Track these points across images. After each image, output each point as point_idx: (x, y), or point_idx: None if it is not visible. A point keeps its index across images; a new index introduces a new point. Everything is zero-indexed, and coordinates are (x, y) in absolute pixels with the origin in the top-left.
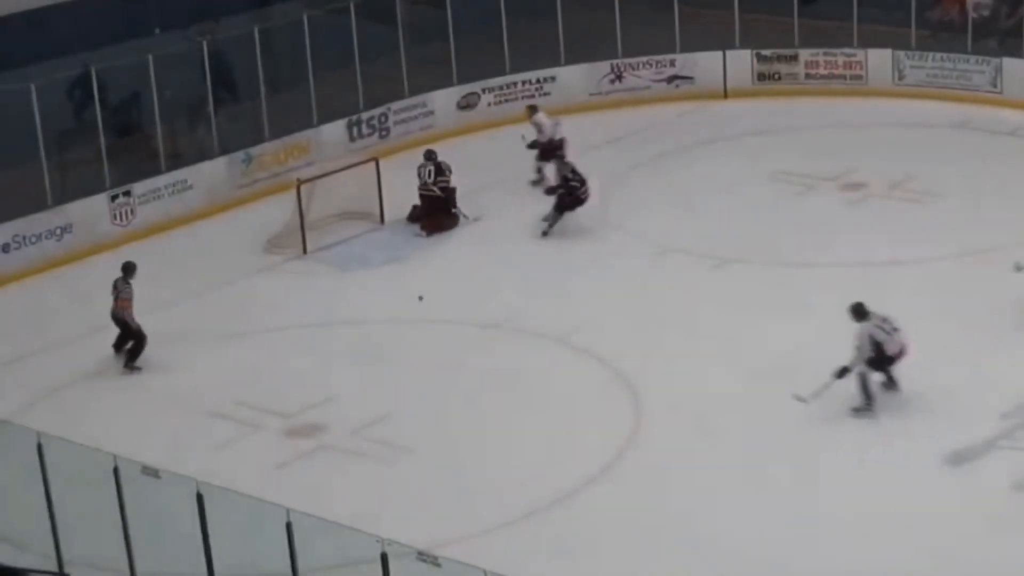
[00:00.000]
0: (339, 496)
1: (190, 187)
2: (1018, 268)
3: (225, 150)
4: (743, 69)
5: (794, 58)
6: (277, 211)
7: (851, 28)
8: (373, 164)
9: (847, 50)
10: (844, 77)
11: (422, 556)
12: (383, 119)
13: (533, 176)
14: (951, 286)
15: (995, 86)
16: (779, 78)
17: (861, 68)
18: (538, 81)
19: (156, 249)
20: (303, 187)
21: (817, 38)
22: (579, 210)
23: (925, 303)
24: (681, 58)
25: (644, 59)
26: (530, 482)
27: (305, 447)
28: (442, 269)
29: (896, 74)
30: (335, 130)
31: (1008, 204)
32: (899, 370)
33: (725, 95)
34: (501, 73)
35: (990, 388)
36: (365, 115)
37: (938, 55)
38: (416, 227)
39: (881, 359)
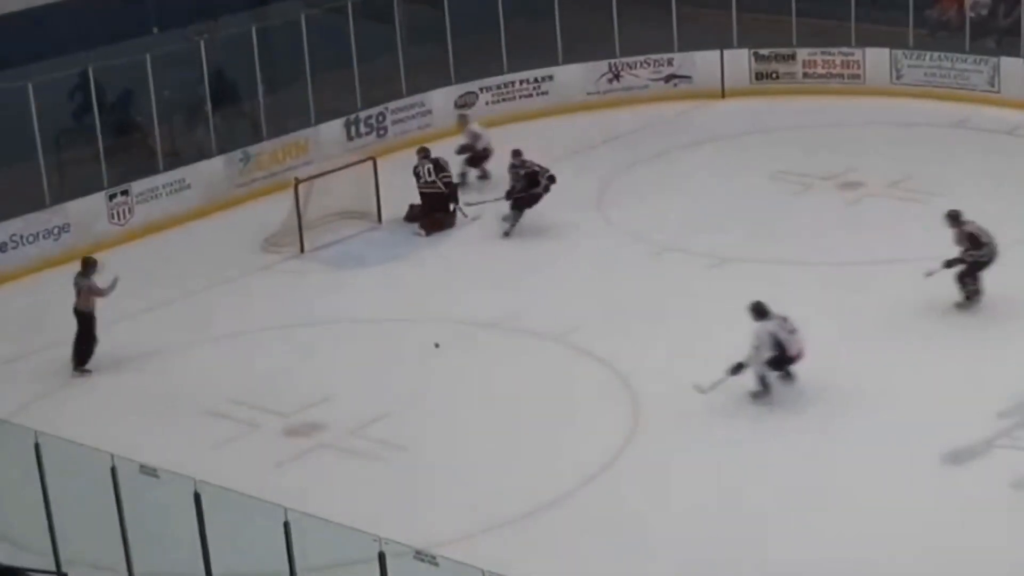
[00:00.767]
0: (337, 495)
1: (188, 186)
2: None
3: (223, 149)
4: (741, 68)
5: (792, 57)
6: (275, 210)
7: (849, 27)
8: (371, 163)
9: (845, 49)
10: (842, 76)
11: (420, 555)
12: (381, 118)
13: (476, 176)
14: (949, 284)
15: (993, 85)
16: (777, 77)
17: (859, 67)
18: (536, 80)
19: (154, 248)
20: (301, 186)
21: (815, 37)
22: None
23: (923, 301)
24: (679, 57)
25: (642, 58)
26: (528, 481)
27: (303, 446)
28: (440, 268)
29: (894, 73)
30: (333, 129)
31: (1006, 203)
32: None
33: (723, 94)
34: (499, 72)
35: (989, 387)
36: (363, 114)
37: (936, 54)
38: (414, 226)
39: (782, 359)
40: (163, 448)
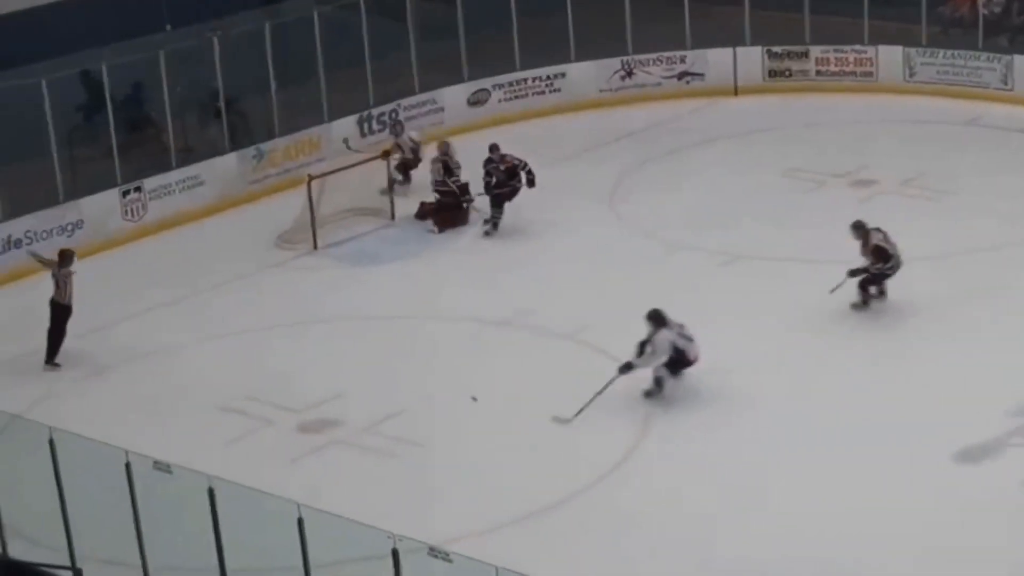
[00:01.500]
0: (351, 491)
1: (201, 183)
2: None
3: (236, 146)
4: (754, 66)
5: (805, 55)
6: (288, 207)
7: (862, 25)
8: (383, 160)
9: (858, 47)
10: (855, 74)
11: (433, 552)
12: (393, 115)
13: (397, 180)
14: (963, 282)
15: (1006, 83)
16: (790, 75)
17: (872, 65)
18: (548, 77)
19: (167, 245)
20: (314, 183)
21: (828, 35)
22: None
23: (937, 298)
24: (692, 54)
25: (654, 55)
26: (541, 479)
27: (317, 442)
28: (453, 265)
29: (907, 71)
30: (346, 126)
31: (1018, 200)
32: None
33: (735, 92)
34: (511, 69)
35: (1003, 384)
36: (375, 111)
37: (949, 52)
38: (428, 223)
39: (681, 363)
40: (177, 444)
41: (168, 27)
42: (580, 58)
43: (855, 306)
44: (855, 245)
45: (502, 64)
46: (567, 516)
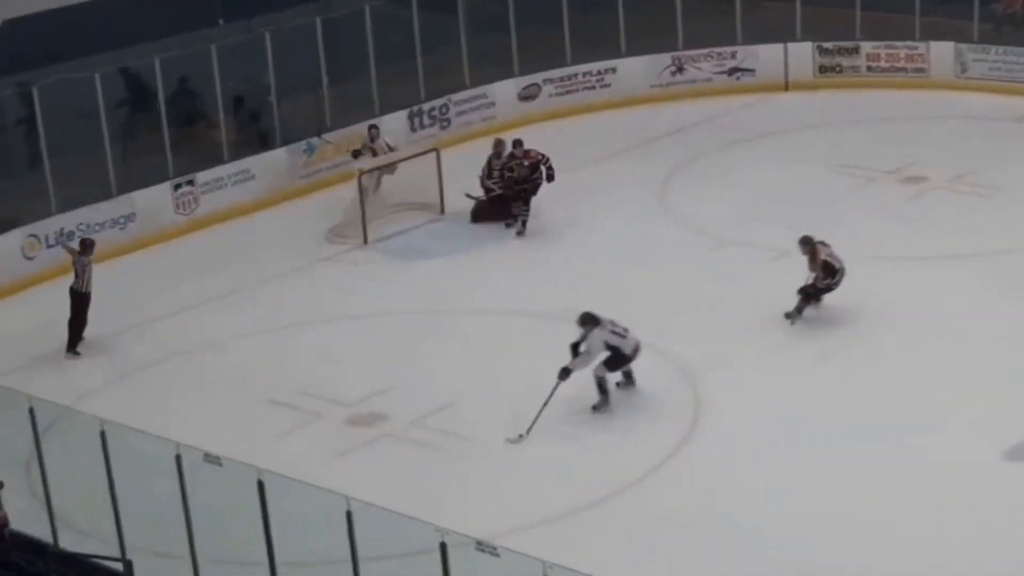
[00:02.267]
0: (399, 485)
1: (252, 177)
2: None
3: (287, 140)
4: (804, 61)
5: (855, 51)
6: (338, 201)
7: (913, 20)
8: (434, 155)
9: (909, 43)
10: (906, 70)
11: (481, 546)
12: (444, 110)
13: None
14: (1014, 279)
15: None
16: (840, 70)
17: (923, 61)
18: (599, 73)
19: (218, 238)
20: (364, 177)
21: (879, 30)
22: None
23: (986, 297)
24: (742, 50)
25: (705, 51)
26: (590, 473)
27: (366, 436)
28: (501, 260)
29: (958, 67)
30: (396, 121)
31: None
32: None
33: (786, 87)
34: (562, 64)
35: None
36: (426, 106)
37: (1001, 48)
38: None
39: (619, 359)
40: (227, 437)
41: (220, 22)
42: (631, 53)
43: (789, 315)
44: (909, 241)
45: (553, 59)
46: (615, 510)
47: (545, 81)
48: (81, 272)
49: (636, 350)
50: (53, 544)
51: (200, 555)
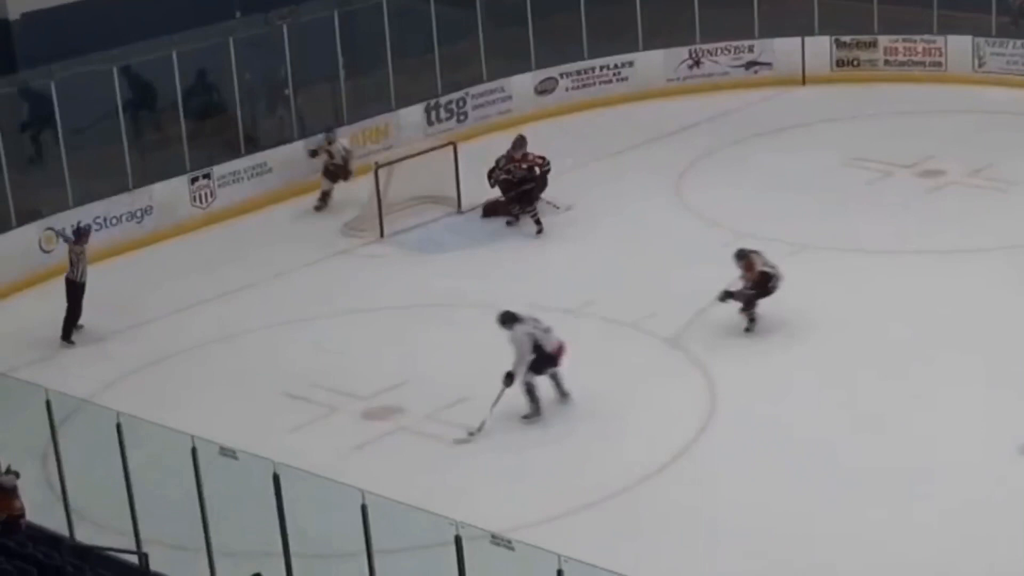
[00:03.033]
0: (414, 478)
1: (269, 170)
2: None
3: (304, 133)
4: (822, 55)
5: (873, 44)
6: (355, 194)
7: (931, 14)
8: (451, 148)
9: (926, 36)
10: (923, 63)
11: (496, 539)
12: (461, 103)
13: (317, 202)
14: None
15: None
16: (858, 64)
17: (940, 54)
18: (616, 66)
19: (235, 231)
20: (381, 171)
21: (896, 24)
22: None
23: (1004, 290)
24: (759, 44)
25: (722, 45)
26: (604, 467)
27: (382, 429)
28: (517, 254)
29: (976, 61)
30: (413, 114)
31: None
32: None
33: (803, 81)
34: (579, 58)
35: None
36: (443, 99)
37: (1018, 42)
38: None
39: (543, 359)
40: (242, 430)
41: (238, 14)
42: (648, 47)
43: (748, 330)
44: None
45: (570, 52)
46: (628, 505)
47: (562, 75)
48: (76, 262)
49: (559, 350)
50: (69, 537)
51: (215, 548)
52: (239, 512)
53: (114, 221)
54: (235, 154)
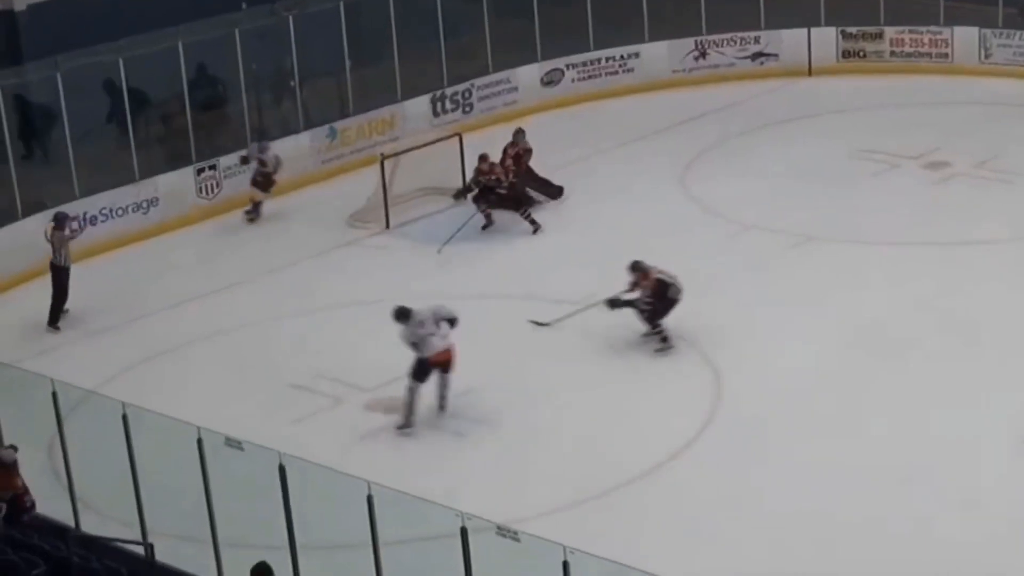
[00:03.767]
0: (419, 470)
1: None
2: None
3: (310, 124)
4: (828, 46)
5: (879, 35)
6: (361, 186)
7: (937, 5)
8: (456, 140)
9: (933, 28)
10: (930, 55)
11: (501, 531)
12: (467, 95)
13: (249, 208)
14: None
15: None
16: (864, 55)
17: (947, 46)
18: (622, 58)
19: (240, 223)
20: (386, 162)
21: (903, 15)
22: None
23: (1010, 281)
24: (766, 35)
25: (728, 36)
26: (610, 458)
27: (387, 420)
28: (525, 246)
29: (982, 52)
30: (419, 105)
31: None
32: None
33: (809, 72)
34: (585, 49)
35: None
36: (449, 91)
37: None
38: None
39: (421, 365)
40: (248, 421)
41: (244, 5)
42: (653, 38)
43: (661, 351)
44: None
45: (576, 44)
46: (636, 496)
47: (568, 66)
48: (59, 247)
49: (439, 358)
50: (75, 527)
51: (221, 539)
52: (244, 503)
53: (120, 212)
54: (241, 145)
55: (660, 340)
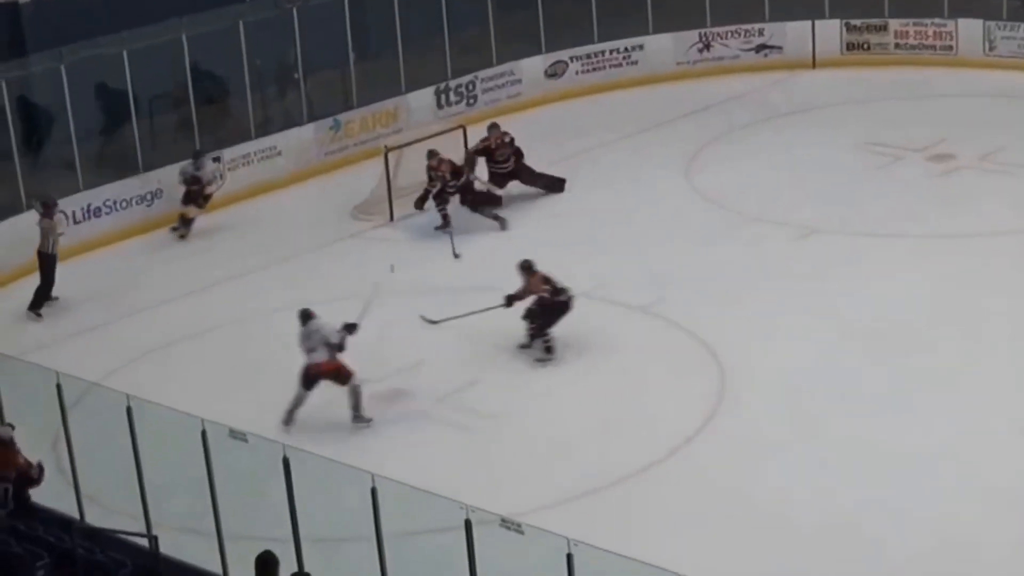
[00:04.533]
0: (424, 462)
1: (279, 153)
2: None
3: (314, 116)
4: (832, 38)
5: (884, 28)
6: (365, 178)
7: None
8: (460, 132)
9: (937, 20)
10: (934, 47)
11: (505, 523)
12: (471, 87)
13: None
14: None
15: None
16: (868, 48)
17: (951, 38)
18: (626, 50)
19: (244, 215)
20: (391, 154)
21: (907, 7)
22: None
23: (1015, 274)
24: (770, 27)
25: (732, 28)
26: (615, 451)
27: (391, 413)
28: (529, 238)
29: (987, 45)
30: (423, 97)
31: None
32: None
33: (814, 64)
34: (589, 41)
35: None
36: (453, 83)
37: None
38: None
39: (307, 377)
40: (253, 413)
41: None
42: (658, 30)
43: (542, 361)
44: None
45: (580, 36)
46: (640, 489)
47: (572, 58)
48: (47, 234)
49: (312, 370)
50: (80, 519)
51: (225, 531)
52: (249, 495)
53: (124, 204)
54: (245, 137)
55: (545, 351)
